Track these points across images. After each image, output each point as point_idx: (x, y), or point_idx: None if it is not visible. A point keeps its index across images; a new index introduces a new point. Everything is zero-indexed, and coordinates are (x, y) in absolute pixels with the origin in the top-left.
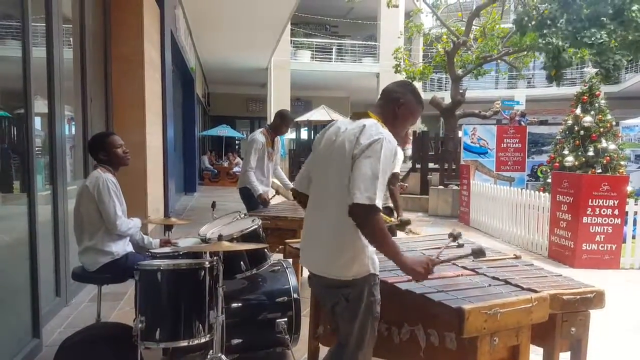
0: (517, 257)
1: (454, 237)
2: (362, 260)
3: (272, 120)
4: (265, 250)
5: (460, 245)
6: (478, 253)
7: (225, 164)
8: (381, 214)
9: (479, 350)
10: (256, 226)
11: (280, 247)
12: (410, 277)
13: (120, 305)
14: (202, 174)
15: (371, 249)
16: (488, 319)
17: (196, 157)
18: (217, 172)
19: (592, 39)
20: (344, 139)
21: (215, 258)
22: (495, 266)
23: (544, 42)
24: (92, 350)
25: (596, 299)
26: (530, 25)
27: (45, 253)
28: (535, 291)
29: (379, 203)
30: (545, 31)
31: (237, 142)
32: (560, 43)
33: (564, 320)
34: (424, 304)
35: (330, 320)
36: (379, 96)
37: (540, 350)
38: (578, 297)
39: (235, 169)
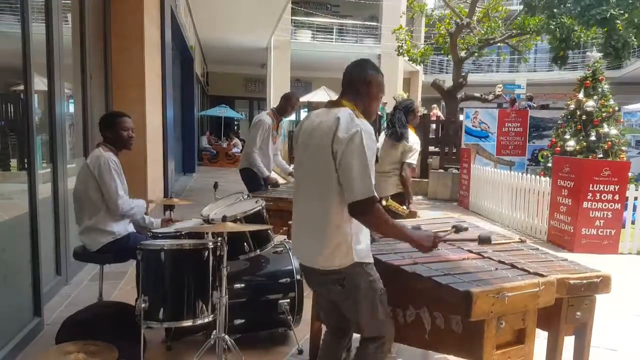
0: (522, 241)
1: (457, 229)
2: (346, 251)
3: (277, 103)
4: (269, 231)
5: (464, 229)
6: (484, 240)
7: (225, 145)
8: (391, 201)
9: (485, 334)
10: (260, 207)
11: (284, 228)
12: (414, 261)
13: (121, 284)
14: (200, 155)
15: (357, 239)
16: (495, 303)
17: (195, 137)
18: (216, 153)
19: (601, 15)
20: (321, 132)
21: (219, 239)
22: (501, 250)
23: (555, 23)
24: (94, 329)
25: (602, 283)
26: (539, 5)
27: (45, 232)
28: (542, 275)
29: (375, 193)
30: (555, 11)
31: (236, 122)
32: (569, 23)
33: (570, 304)
34: (431, 286)
35: (330, 317)
36: (344, 80)
37: (545, 333)
38: (584, 281)
39: (234, 149)
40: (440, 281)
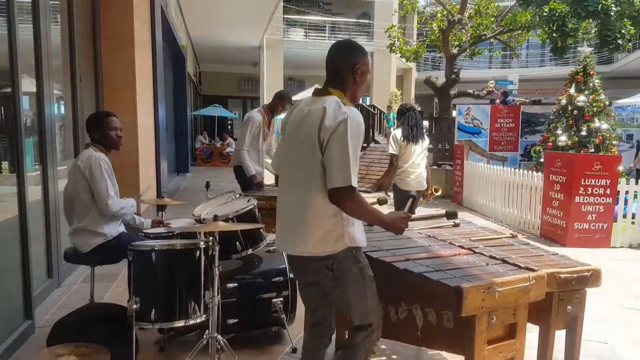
0: (513, 236)
1: (449, 215)
2: (337, 236)
3: (270, 101)
4: (261, 230)
5: (456, 225)
6: (451, 215)
7: (218, 145)
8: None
9: (476, 329)
10: (252, 206)
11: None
12: (406, 258)
13: (114, 286)
14: (195, 154)
15: (347, 224)
16: (486, 298)
17: (188, 137)
18: (209, 153)
19: (595, 6)
20: (308, 121)
21: (211, 238)
22: (492, 245)
23: (548, 13)
24: (86, 331)
25: (592, 277)
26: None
27: (36, 234)
28: (533, 270)
29: (354, 181)
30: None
31: (229, 122)
32: (562, 10)
33: (561, 298)
34: (422, 283)
35: (316, 312)
36: (329, 68)
37: (536, 328)
38: (575, 275)
39: (228, 149)
40: (431, 277)
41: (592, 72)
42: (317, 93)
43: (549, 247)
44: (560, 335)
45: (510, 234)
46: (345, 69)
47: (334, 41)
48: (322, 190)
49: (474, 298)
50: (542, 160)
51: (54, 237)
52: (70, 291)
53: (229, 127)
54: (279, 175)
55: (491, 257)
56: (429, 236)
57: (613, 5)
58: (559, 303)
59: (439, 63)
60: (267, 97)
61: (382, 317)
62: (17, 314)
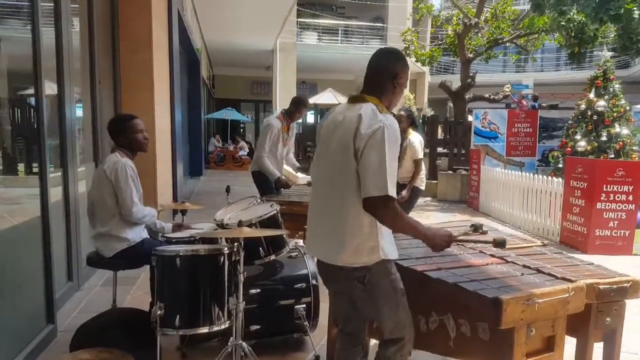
0: (544, 245)
1: (476, 227)
2: (371, 248)
3: (288, 105)
4: (284, 235)
5: (484, 233)
6: (500, 243)
7: (231, 148)
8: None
9: (515, 341)
10: (275, 211)
11: (299, 232)
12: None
13: (133, 289)
14: (207, 158)
15: (381, 236)
16: (525, 310)
17: (202, 140)
18: (222, 156)
19: (617, 10)
20: (343, 128)
21: (236, 244)
22: (524, 254)
23: (565, 19)
24: (108, 336)
25: (632, 288)
26: (547, 3)
27: (56, 237)
28: (571, 280)
29: (392, 191)
30: (564, 8)
31: (242, 125)
32: (581, 19)
33: (599, 310)
34: (456, 293)
35: (348, 322)
36: (369, 73)
37: (573, 340)
38: (614, 286)
39: (241, 152)
40: (467, 287)
41: (612, 76)
42: (353, 100)
43: (570, 254)
44: (597, 348)
45: (542, 242)
46: (385, 75)
47: (347, 45)
48: (357, 199)
49: (514, 310)
50: (560, 165)
51: (74, 239)
52: (90, 294)
53: (242, 130)
54: (313, 181)
55: (525, 266)
56: (458, 244)
57: (636, 8)
58: (597, 315)
59: (452, 67)
60: (279, 100)
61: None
62: (39, 318)
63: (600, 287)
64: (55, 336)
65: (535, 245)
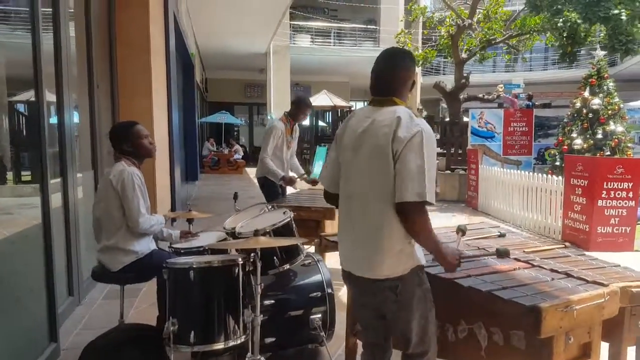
0: (565, 247)
1: (463, 232)
2: (408, 254)
3: (289, 108)
4: (299, 244)
5: (502, 235)
6: (503, 253)
7: (226, 152)
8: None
9: (554, 350)
10: (289, 219)
11: (315, 240)
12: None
13: (137, 302)
14: (202, 162)
15: (413, 241)
16: (564, 317)
17: (197, 144)
18: (217, 160)
19: (606, 12)
20: (376, 132)
21: (252, 255)
22: (548, 257)
23: (561, 19)
24: (117, 355)
25: None
26: (543, 4)
27: (57, 249)
28: (603, 284)
29: (431, 197)
30: (560, 7)
31: (236, 128)
32: (575, 20)
33: (633, 313)
34: (488, 300)
35: (374, 333)
36: (386, 75)
37: (605, 344)
38: None
39: (236, 156)
40: (502, 296)
41: (606, 74)
42: (380, 103)
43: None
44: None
45: (564, 244)
46: (405, 78)
47: (340, 47)
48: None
49: (553, 318)
50: (557, 163)
51: (74, 251)
52: (92, 309)
53: (236, 133)
54: (341, 190)
55: (552, 270)
56: (479, 248)
57: (624, 10)
58: (630, 318)
59: (444, 68)
60: (273, 103)
61: (438, 336)
62: (41, 336)
63: (633, 290)
64: (58, 355)
65: (557, 248)
